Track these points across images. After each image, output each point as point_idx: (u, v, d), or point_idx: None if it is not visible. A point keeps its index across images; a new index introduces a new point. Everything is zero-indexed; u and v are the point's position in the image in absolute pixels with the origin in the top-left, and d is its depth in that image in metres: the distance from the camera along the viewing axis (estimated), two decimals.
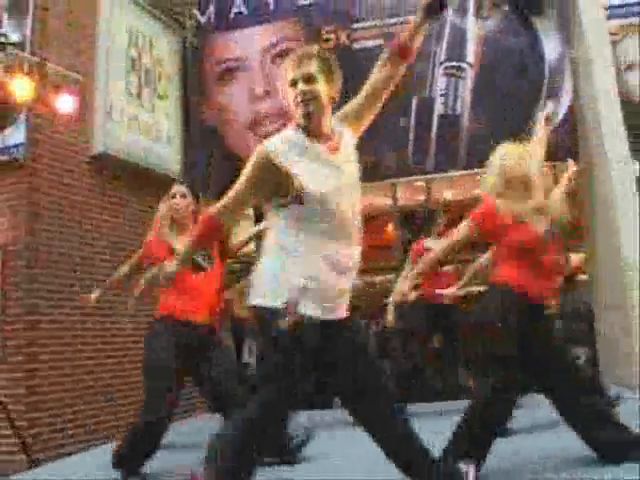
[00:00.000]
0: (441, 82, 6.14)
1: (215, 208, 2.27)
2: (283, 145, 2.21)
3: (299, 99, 2.20)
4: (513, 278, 2.64)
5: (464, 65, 6.11)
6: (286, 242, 2.15)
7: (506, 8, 6.12)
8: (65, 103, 4.19)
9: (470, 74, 6.10)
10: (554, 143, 5.92)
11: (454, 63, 6.14)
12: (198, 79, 6.45)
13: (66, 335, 4.60)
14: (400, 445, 2.13)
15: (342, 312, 2.18)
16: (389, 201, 6.62)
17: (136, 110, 5.60)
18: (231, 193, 2.27)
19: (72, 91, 4.23)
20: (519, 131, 5.84)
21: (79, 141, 5.01)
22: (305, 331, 2.03)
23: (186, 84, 6.41)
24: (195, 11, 6.50)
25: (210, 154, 6.37)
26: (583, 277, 6.09)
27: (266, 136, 6.39)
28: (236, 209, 2.29)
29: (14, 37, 3.73)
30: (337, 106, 2.44)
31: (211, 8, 6.51)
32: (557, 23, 6.00)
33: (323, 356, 2.11)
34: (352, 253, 2.19)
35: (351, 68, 6.24)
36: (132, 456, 3.00)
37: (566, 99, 5.90)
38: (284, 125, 6.47)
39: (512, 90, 5.95)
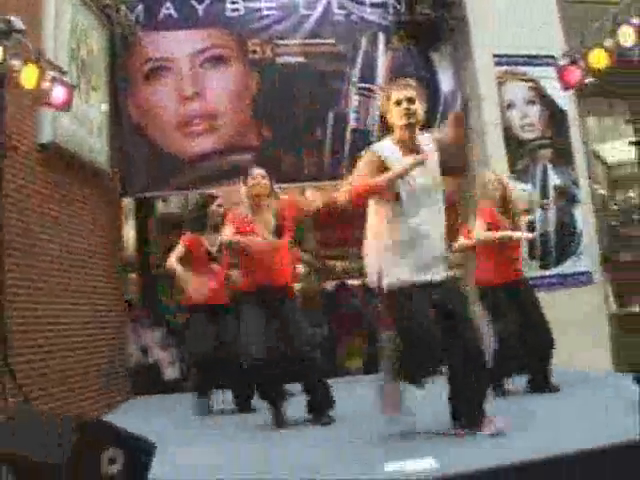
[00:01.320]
0: (354, 100, 6.97)
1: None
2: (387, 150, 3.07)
3: (403, 113, 3.04)
4: None
5: (374, 87, 7.00)
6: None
7: (410, 43, 7.14)
8: (60, 94, 4.26)
9: (379, 95, 7.00)
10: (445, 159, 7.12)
11: (366, 84, 7.01)
12: (125, 75, 6.58)
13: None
14: None
15: None
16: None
17: (76, 101, 5.63)
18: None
19: (64, 83, 4.31)
20: None
21: (29, 129, 4.98)
22: None
23: (114, 79, 6.50)
24: (123, 7, 6.61)
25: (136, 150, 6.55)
26: None
27: (195, 135, 6.83)
28: None
29: (19, 23, 3.78)
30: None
31: (140, 6, 6.68)
32: (451, 61, 7.15)
33: None
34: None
35: (274, 80, 6.95)
36: None
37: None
38: (211, 125, 6.95)
39: None
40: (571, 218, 6.60)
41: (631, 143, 4.53)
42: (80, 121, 5.77)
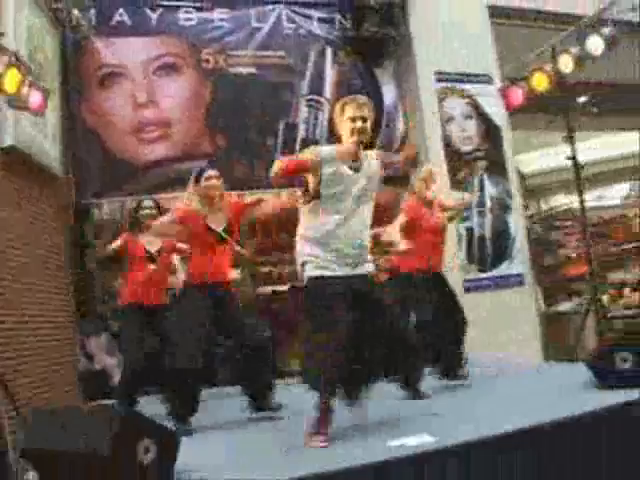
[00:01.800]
0: (303, 111, 7.25)
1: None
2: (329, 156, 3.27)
3: (356, 130, 3.26)
4: None
5: (322, 99, 7.31)
6: None
7: (356, 58, 7.51)
8: (36, 99, 4.27)
9: (327, 107, 7.31)
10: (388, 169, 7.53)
11: (314, 96, 7.31)
12: (79, 80, 6.55)
13: None
14: None
15: None
16: None
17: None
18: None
19: (39, 87, 4.31)
20: None
21: None
22: None
23: (67, 83, 6.46)
24: (75, 10, 6.56)
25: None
26: None
27: (149, 142, 6.93)
28: None
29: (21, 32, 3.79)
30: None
31: (92, 11, 6.66)
32: (394, 76, 7.58)
33: None
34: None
35: (226, 90, 7.13)
36: None
37: (398, 136, 7.50)
38: (168, 132, 7.04)
39: None
40: (505, 225, 7.16)
41: (568, 158, 5.05)
42: (37, 126, 5.73)
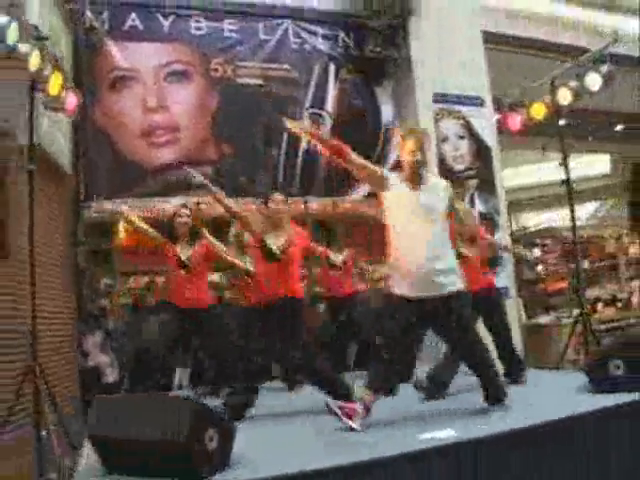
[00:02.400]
0: (306, 124, 7.50)
1: None
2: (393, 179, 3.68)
3: (414, 165, 3.60)
4: None
5: (324, 113, 7.61)
6: None
7: (357, 76, 7.84)
8: (72, 102, 4.43)
9: (329, 120, 7.61)
10: None
11: (317, 110, 7.60)
12: (91, 81, 6.69)
13: None
14: None
15: None
16: None
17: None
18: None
19: (74, 91, 4.47)
20: None
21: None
22: None
23: (80, 84, 6.58)
24: (89, 13, 6.71)
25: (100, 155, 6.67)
26: None
27: (158, 146, 7.13)
28: None
29: (43, 30, 3.95)
30: None
31: (105, 14, 6.81)
32: (393, 96, 7.93)
33: None
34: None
35: (233, 99, 7.37)
36: None
37: (394, 153, 7.83)
38: (176, 137, 7.23)
39: (356, 136, 7.55)
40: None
41: (563, 182, 5.43)
42: (56, 124, 5.87)
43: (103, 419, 2.82)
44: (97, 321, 7.76)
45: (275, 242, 4.22)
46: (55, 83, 4.13)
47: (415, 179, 3.61)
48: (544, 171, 11.76)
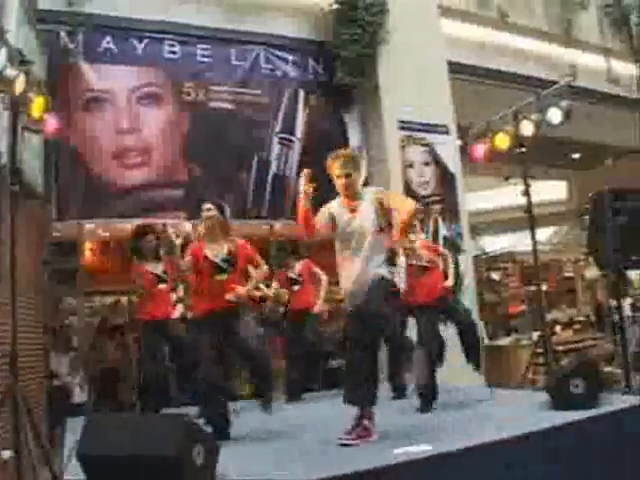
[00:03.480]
0: (275, 148, 7.69)
1: None
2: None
3: (343, 188, 3.88)
4: None
5: (294, 138, 7.79)
6: None
7: (326, 101, 8.06)
8: (51, 123, 4.49)
9: (298, 145, 7.79)
10: None
11: (286, 135, 7.77)
12: (64, 101, 6.71)
13: None
14: None
15: None
16: None
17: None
18: None
19: (55, 114, 4.53)
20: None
21: None
22: None
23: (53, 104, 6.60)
24: (63, 33, 6.75)
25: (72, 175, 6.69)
26: None
27: (130, 167, 7.18)
28: None
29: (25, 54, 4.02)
30: None
31: (80, 36, 6.85)
32: (360, 121, 8.17)
33: None
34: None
35: (204, 122, 7.49)
36: None
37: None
38: (147, 159, 7.29)
39: (324, 161, 7.79)
40: (456, 264, 7.79)
41: (526, 210, 5.72)
42: (23, 141, 5.84)
43: (92, 437, 2.87)
44: (64, 341, 7.72)
45: (217, 255, 4.34)
46: (38, 106, 4.19)
47: (351, 199, 3.88)
48: (504, 195, 12.19)
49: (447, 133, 8.12)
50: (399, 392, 5.79)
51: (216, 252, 4.31)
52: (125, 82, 7.06)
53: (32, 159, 6.10)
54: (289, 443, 3.99)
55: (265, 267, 4.59)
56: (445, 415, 4.61)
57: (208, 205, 4.39)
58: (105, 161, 6.82)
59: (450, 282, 5.30)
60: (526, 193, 5.65)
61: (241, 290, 4.26)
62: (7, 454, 4.13)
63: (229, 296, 4.20)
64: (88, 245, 7.68)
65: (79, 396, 7.27)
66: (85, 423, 2.94)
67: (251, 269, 4.68)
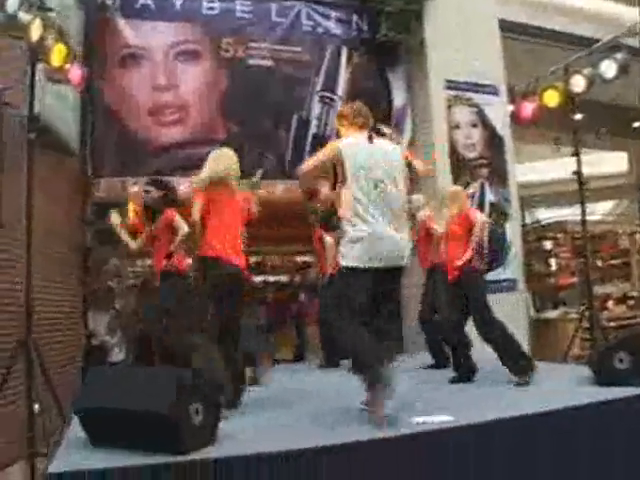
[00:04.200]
0: (316, 107, 7.43)
1: None
2: None
3: None
4: None
5: (335, 97, 7.51)
6: None
7: (369, 60, 7.72)
8: (76, 75, 4.38)
9: (339, 104, 7.50)
10: None
11: (328, 94, 7.50)
12: (101, 58, 6.65)
13: None
14: None
15: None
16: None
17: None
18: None
19: (79, 64, 4.42)
20: None
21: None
22: None
23: (89, 60, 6.53)
24: None
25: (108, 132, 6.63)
26: None
27: (166, 124, 7.05)
28: None
29: (53, 4, 3.91)
30: None
31: None
32: (405, 80, 7.82)
33: None
34: None
35: (243, 80, 7.29)
36: None
37: (406, 137, 7.74)
38: (184, 116, 7.15)
39: None
40: (503, 231, 7.42)
41: (574, 172, 5.31)
42: (59, 96, 5.80)
43: (90, 391, 2.78)
44: (105, 301, 7.77)
45: None
46: (58, 54, 4.08)
47: None
48: (559, 167, 11.58)
49: (496, 94, 7.68)
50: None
51: None
52: (162, 38, 6.92)
53: (68, 116, 6.07)
54: (304, 409, 3.83)
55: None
56: (481, 388, 4.35)
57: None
58: (141, 118, 6.72)
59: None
60: (576, 155, 5.23)
61: None
62: (37, 407, 4.15)
63: None
64: (132, 206, 7.65)
65: (116, 356, 7.33)
66: (88, 375, 2.85)
67: None
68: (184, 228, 4.46)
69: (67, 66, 4.25)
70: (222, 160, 4.04)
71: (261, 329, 8.01)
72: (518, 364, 4.27)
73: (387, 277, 3.41)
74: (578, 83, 5.20)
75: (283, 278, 10.85)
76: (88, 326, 7.33)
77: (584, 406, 3.31)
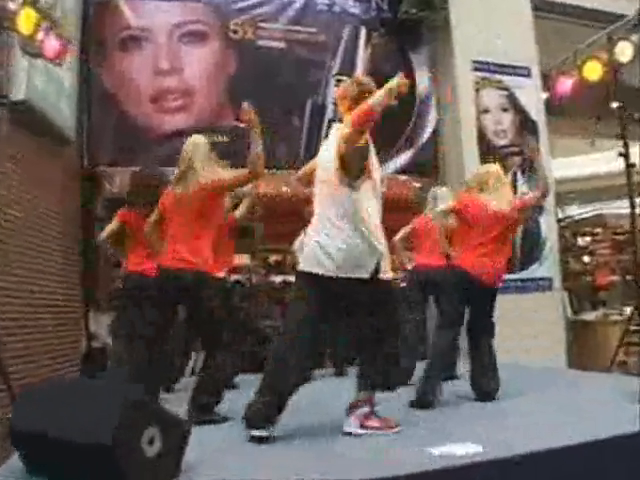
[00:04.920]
0: (332, 91, 6.88)
1: None
2: None
3: None
4: None
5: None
6: None
7: (390, 40, 7.15)
8: (52, 46, 3.92)
9: None
10: (418, 160, 7.16)
11: (345, 77, 6.93)
12: (99, 41, 6.22)
13: None
14: None
15: None
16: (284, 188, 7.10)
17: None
18: None
19: (59, 35, 3.97)
20: (392, 143, 6.98)
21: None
22: None
23: (87, 43, 6.12)
24: None
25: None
26: None
27: (170, 111, 6.57)
28: None
29: None
30: None
31: None
32: (429, 63, 7.22)
33: None
34: None
35: (253, 63, 6.77)
36: None
37: (430, 126, 7.15)
38: (188, 102, 6.67)
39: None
40: (537, 226, 6.79)
41: (621, 154, 4.66)
42: (53, 83, 5.39)
43: (23, 412, 2.28)
44: (110, 302, 7.33)
45: None
46: (27, 21, 3.60)
47: None
48: (597, 162, 10.83)
49: (528, 76, 7.03)
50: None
51: None
52: (166, 19, 6.46)
53: (62, 102, 5.64)
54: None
55: None
56: (509, 402, 3.73)
57: None
58: (142, 104, 6.27)
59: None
60: (624, 142, 4.56)
61: None
62: None
63: None
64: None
65: None
66: (21, 396, 2.36)
67: None
68: None
69: (40, 35, 3.78)
70: None
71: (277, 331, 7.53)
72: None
73: None
74: (624, 51, 4.54)
75: None
76: (89, 328, 6.93)
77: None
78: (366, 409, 2.90)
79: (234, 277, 8.64)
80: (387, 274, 2.95)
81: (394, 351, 2.95)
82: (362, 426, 2.88)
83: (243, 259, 9.66)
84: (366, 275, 2.85)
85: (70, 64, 5.82)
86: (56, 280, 5.60)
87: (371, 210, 2.93)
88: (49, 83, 5.26)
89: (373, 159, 3.00)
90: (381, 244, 2.93)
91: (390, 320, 2.95)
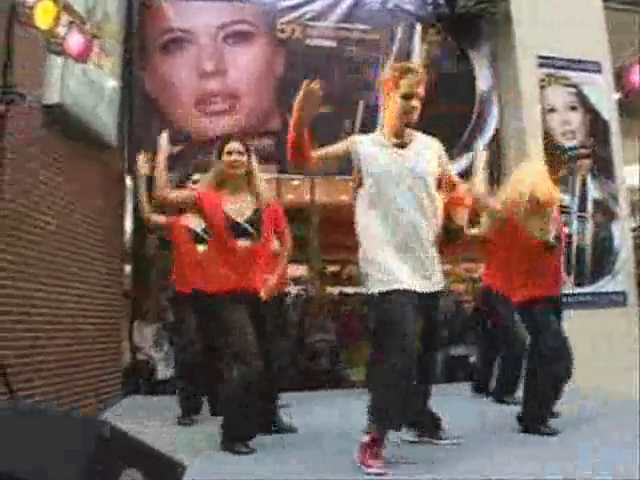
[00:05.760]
0: None
1: None
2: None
3: (408, 111, 2.88)
4: None
5: None
6: None
7: (448, 37, 6.71)
8: (77, 43, 3.66)
9: None
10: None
11: None
12: (142, 44, 6.01)
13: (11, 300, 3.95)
14: None
15: None
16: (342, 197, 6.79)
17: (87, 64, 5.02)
18: None
19: (82, 30, 3.71)
20: (450, 146, 6.51)
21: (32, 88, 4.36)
22: None
23: (130, 48, 5.92)
24: None
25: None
26: None
27: (214, 115, 6.29)
28: None
29: None
30: None
31: None
32: (490, 60, 6.75)
33: None
34: None
35: (301, 63, 6.45)
36: None
37: (492, 125, 6.67)
38: (234, 105, 6.41)
39: (445, 108, 6.48)
40: (609, 235, 6.22)
41: None
42: (90, 85, 5.18)
43: None
44: (156, 313, 7.10)
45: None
46: (45, 14, 3.32)
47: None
48: None
49: (599, 72, 6.46)
50: None
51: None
52: (210, 20, 6.21)
53: (101, 107, 5.43)
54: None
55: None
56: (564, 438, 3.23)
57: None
58: (185, 109, 6.02)
59: None
60: None
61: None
62: None
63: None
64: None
65: (162, 372, 6.63)
66: None
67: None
68: None
69: (60, 29, 3.49)
70: None
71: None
72: None
73: None
74: None
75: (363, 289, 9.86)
76: (133, 339, 6.71)
77: None
78: None
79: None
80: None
81: None
82: None
83: (300, 270, 9.36)
84: None
85: (113, 69, 5.68)
86: (97, 290, 5.38)
87: None
88: (86, 86, 5.06)
89: None
90: None
91: None
